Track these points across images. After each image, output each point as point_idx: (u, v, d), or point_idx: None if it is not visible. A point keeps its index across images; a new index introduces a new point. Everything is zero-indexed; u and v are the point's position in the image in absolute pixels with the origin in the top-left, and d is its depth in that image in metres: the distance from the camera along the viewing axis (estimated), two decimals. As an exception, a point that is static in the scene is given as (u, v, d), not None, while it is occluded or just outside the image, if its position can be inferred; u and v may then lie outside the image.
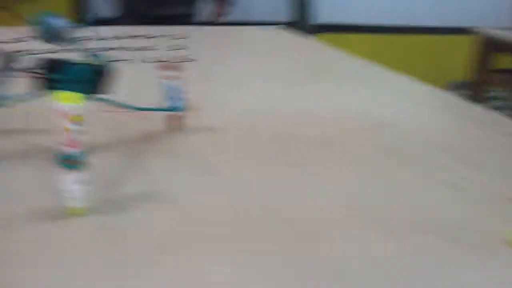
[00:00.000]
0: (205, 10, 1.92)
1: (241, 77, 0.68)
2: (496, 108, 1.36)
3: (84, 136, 0.31)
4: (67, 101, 0.31)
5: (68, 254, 0.29)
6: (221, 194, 0.36)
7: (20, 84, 0.39)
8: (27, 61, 0.39)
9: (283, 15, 2.20)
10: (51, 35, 0.36)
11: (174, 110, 0.46)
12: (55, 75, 0.35)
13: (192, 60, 0.53)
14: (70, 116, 0.31)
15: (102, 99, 0.40)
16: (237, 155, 0.43)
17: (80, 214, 0.32)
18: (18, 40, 0.52)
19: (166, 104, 0.45)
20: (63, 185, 0.32)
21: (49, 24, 0.36)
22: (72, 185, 0.32)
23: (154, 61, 0.48)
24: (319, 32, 2.06)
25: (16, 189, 0.35)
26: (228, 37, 1.04)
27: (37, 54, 0.40)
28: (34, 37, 0.37)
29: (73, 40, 0.36)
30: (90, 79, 0.37)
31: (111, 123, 0.47)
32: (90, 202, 0.33)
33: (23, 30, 0.51)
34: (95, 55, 0.37)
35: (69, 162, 0.31)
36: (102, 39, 0.59)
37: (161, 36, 0.70)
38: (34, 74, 0.36)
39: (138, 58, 0.56)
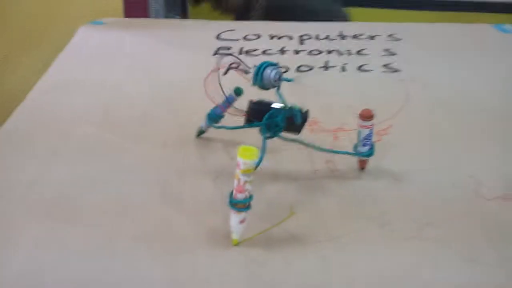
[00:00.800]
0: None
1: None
2: None
3: (251, 185, 0.39)
4: (246, 156, 0.38)
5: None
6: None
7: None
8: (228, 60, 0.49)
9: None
10: (264, 85, 0.47)
11: (364, 155, 0.49)
12: (265, 122, 0.46)
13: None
14: (242, 168, 0.38)
15: (297, 141, 0.49)
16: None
17: (237, 245, 0.41)
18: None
19: (359, 149, 0.49)
20: (231, 221, 0.40)
21: (264, 75, 0.46)
22: (235, 223, 0.40)
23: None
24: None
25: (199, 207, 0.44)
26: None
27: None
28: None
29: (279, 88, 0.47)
30: (295, 124, 0.47)
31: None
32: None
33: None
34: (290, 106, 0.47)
35: (236, 205, 0.40)
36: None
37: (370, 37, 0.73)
38: (247, 114, 0.48)
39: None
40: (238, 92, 0.50)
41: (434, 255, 0.41)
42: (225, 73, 0.73)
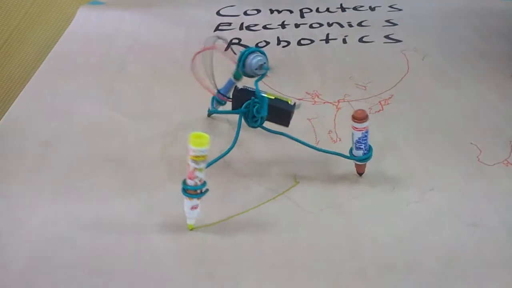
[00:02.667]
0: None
1: None
2: None
3: (203, 173, 0.38)
4: (196, 144, 0.37)
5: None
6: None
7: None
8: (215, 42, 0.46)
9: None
10: (246, 73, 0.45)
11: (358, 160, 0.45)
12: (243, 110, 0.44)
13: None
14: (192, 155, 0.37)
15: (283, 134, 0.46)
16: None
17: (191, 229, 0.41)
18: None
19: (354, 152, 0.45)
20: (184, 206, 0.39)
21: (246, 62, 0.44)
22: (188, 209, 0.39)
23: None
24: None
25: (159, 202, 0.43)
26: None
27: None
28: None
29: (262, 77, 0.45)
30: (282, 116, 0.45)
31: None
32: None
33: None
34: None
35: (187, 191, 0.39)
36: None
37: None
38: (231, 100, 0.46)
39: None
40: (237, 76, 0.48)
41: (437, 219, 0.41)
42: (226, 48, 0.73)
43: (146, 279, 0.37)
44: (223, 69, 0.48)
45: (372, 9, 0.83)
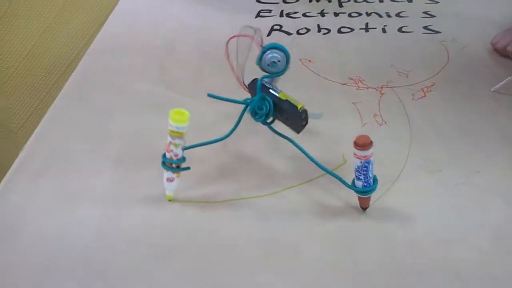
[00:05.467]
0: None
1: None
2: None
3: (180, 149, 0.40)
4: (173, 119, 0.39)
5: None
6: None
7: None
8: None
9: None
10: (262, 67, 0.43)
11: (356, 191, 0.41)
12: (249, 104, 0.44)
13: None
14: (169, 129, 0.39)
15: (289, 139, 0.44)
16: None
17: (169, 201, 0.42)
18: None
19: (356, 182, 0.41)
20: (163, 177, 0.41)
21: (263, 57, 0.43)
22: (164, 180, 0.41)
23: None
24: None
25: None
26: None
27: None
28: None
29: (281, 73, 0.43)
30: (295, 121, 0.43)
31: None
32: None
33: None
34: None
35: (165, 163, 0.41)
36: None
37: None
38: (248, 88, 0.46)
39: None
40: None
41: (484, 200, 0.43)
42: (269, 34, 0.75)
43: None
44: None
45: (409, 1, 0.84)
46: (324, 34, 0.73)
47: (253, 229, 0.40)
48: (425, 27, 0.75)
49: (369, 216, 0.41)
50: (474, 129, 0.52)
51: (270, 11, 0.80)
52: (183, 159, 0.41)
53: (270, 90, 0.44)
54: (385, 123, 0.53)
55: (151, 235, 0.40)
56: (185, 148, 0.41)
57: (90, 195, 0.43)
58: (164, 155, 0.41)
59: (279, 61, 0.43)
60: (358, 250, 0.38)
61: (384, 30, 0.74)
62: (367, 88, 0.60)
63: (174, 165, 0.41)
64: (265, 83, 0.45)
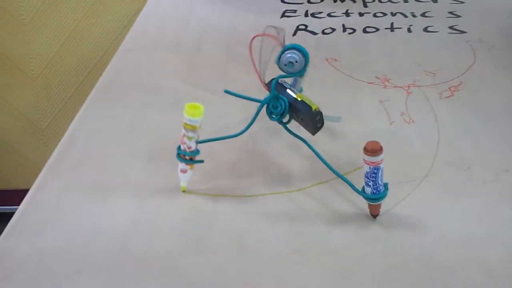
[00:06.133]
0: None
1: None
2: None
3: (193, 142, 0.41)
4: (187, 113, 0.40)
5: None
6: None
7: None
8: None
9: None
10: (280, 66, 0.43)
11: (366, 197, 0.40)
12: (265, 102, 0.44)
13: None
14: (185, 123, 0.41)
15: (302, 140, 0.44)
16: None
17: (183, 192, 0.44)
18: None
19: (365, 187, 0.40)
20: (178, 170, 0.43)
21: (281, 56, 0.43)
22: (178, 170, 0.43)
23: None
24: None
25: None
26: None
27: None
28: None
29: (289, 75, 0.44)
30: (310, 122, 0.43)
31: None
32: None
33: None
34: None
35: (179, 154, 0.42)
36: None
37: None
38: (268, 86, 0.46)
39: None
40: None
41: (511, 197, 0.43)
42: (294, 34, 0.75)
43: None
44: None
45: (434, 1, 0.84)
46: (349, 33, 0.73)
47: (284, 226, 0.41)
48: (451, 27, 0.75)
49: (399, 212, 0.42)
50: (502, 128, 0.52)
51: (295, 11, 0.81)
52: (196, 151, 0.42)
53: (288, 90, 0.44)
54: (413, 121, 0.54)
55: (182, 227, 0.41)
56: (199, 142, 0.42)
57: (123, 187, 0.44)
58: (179, 147, 0.42)
59: (296, 61, 0.43)
60: (389, 244, 0.39)
61: (409, 30, 0.74)
62: (394, 87, 0.60)
63: (187, 157, 0.42)
64: (283, 83, 0.45)
